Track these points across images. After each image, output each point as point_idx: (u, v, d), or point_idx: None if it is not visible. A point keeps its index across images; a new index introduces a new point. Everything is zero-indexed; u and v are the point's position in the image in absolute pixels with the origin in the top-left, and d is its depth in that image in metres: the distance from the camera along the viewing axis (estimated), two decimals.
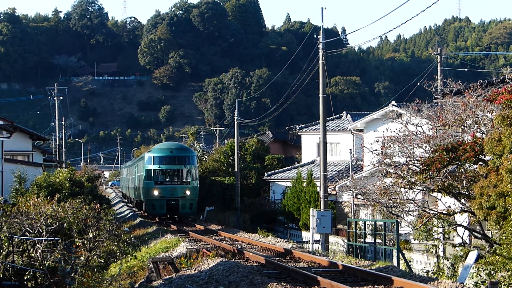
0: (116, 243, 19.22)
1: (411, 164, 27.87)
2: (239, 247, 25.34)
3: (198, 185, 49.86)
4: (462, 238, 26.48)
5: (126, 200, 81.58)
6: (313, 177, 48.97)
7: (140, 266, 25.26)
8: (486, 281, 18.39)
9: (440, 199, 28.04)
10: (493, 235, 22.14)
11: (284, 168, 63.47)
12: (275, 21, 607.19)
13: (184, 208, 48.21)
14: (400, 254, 26.53)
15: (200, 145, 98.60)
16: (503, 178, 20.61)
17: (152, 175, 48.35)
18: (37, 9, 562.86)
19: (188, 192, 48.02)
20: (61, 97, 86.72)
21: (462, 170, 25.64)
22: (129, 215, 62.28)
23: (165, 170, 48.49)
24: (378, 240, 30.28)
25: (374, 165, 31.12)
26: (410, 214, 28.40)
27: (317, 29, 39.23)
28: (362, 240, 30.18)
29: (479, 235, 24.99)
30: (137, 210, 62.76)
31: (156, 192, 47.87)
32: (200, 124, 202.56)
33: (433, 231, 26.52)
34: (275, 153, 75.69)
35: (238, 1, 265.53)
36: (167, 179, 48.38)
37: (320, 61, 37.37)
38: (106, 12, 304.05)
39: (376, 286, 16.16)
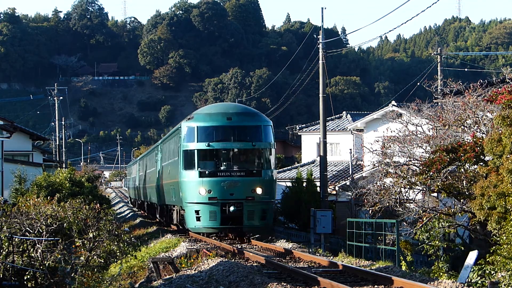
0: (116, 243, 19.21)
1: (411, 164, 27.86)
2: (239, 247, 25.33)
3: (276, 178, 30.92)
4: (462, 238, 26.47)
5: (133, 205, 72.13)
6: (313, 177, 48.97)
7: (140, 266, 25.25)
8: (486, 281, 18.39)
9: (440, 199, 28.03)
10: (493, 235, 22.12)
11: (284, 168, 63.46)
12: (275, 21, 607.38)
13: (253, 218, 28.64)
14: (400, 254, 26.52)
15: None
16: (503, 179, 20.60)
17: (196, 160, 28.91)
18: (37, 9, 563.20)
19: (259, 190, 28.53)
20: (61, 97, 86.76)
21: (462, 170, 25.63)
22: (129, 215, 62.23)
23: (218, 152, 29.01)
24: (378, 240, 30.25)
25: (374, 165, 31.12)
26: (410, 214, 28.38)
27: (317, 29, 39.22)
28: (362, 240, 30.14)
29: (479, 235, 24.98)
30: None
31: (201, 191, 28.58)
32: None
33: (433, 231, 26.50)
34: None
35: (238, 1, 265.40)
36: (222, 168, 28.82)
37: (320, 61, 37.38)
38: (106, 12, 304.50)
39: (376, 286, 16.16)
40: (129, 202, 77.57)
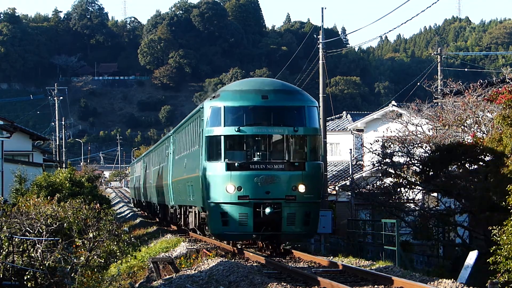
0: (116, 243, 19.22)
1: (411, 164, 27.87)
2: (239, 247, 25.33)
3: (323, 172, 25.48)
4: (462, 238, 26.47)
5: (135, 207, 68.75)
6: None
7: (140, 266, 25.24)
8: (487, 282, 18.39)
9: (440, 199, 28.04)
10: (493, 235, 22.13)
11: None
12: (275, 21, 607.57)
13: (294, 222, 23.18)
14: (400, 254, 26.53)
15: None
16: (503, 178, 20.62)
17: (222, 149, 23.40)
18: (37, 9, 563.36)
19: (302, 188, 23.10)
20: (61, 97, 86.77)
21: (462, 170, 25.64)
22: (129, 215, 62.22)
23: (251, 139, 23.59)
24: (378, 240, 30.27)
25: (374, 165, 31.12)
26: (410, 214, 28.40)
27: (317, 29, 39.23)
28: (362, 240, 30.17)
29: (479, 235, 24.98)
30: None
31: (229, 188, 23.10)
32: None
33: (433, 231, 26.52)
34: None
35: (238, 1, 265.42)
36: (255, 159, 23.35)
37: (320, 61, 37.37)
38: (106, 12, 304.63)
39: (376, 286, 16.16)
40: (133, 204, 72.76)
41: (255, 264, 20.89)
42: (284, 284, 16.20)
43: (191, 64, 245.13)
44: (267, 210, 22.61)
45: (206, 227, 25.42)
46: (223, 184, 22.96)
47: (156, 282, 20.15)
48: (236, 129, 22.95)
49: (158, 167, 41.66)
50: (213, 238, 26.68)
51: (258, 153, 23.27)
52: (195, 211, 27.61)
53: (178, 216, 33.31)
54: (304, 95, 24.19)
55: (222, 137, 23.20)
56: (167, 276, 20.65)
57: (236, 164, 22.90)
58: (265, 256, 22.61)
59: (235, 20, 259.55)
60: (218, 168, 23.19)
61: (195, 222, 27.74)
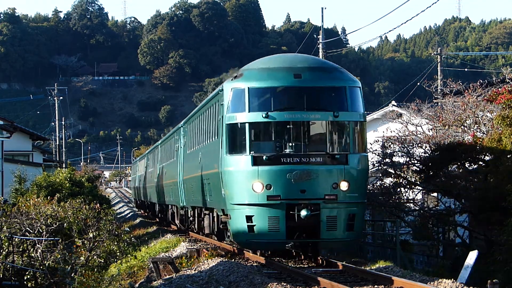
0: (116, 243, 19.23)
1: (411, 164, 27.88)
2: (239, 247, 25.31)
3: (368, 167, 21.41)
4: (462, 238, 26.48)
5: (137, 208, 65.45)
6: None
7: (140, 266, 25.24)
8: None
9: (440, 199, 28.04)
10: (493, 235, 22.14)
11: None
12: (275, 21, 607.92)
13: (335, 227, 19.56)
14: (400, 254, 26.54)
15: None
16: (503, 178, 20.63)
17: (247, 139, 19.77)
18: (37, 9, 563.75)
19: (345, 186, 19.60)
20: (61, 97, 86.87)
21: (462, 170, 25.65)
22: (129, 215, 62.22)
23: (282, 127, 19.87)
24: (378, 240, 30.28)
25: (374, 165, 31.13)
26: (410, 214, 28.41)
27: (317, 29, 39.27)
28: (362, 240, 30.14)
29: (479, 235, 24.99)
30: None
31: (257, 186, 19.50)
32: None
33: (433, 231, 26.52)
34: None
35: (238, 1, 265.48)
36: (287, 151, 19.66)
37: None
38: (106, 12, 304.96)
39: (376, 286, 16.16)
40: (135, 206, 69.65)
41: (255, 264, 20.89)
42: (284, 284, 16.20)
43: (191, 64, 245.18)
44: (303, 212, 18.94)
45: (227, 233, 21.72)
46: (249, 181, 19.27)
47: (156, 282, 20.16)
48: (264, 115, 19.27)
49: (165, 163, 37.68)
50: (235, 246, 22.97)
51: (290, 144, 19.42)
52: (212, 214, 24.01)
53: (191, 219, 29.52)
54: (345, 73, 20.43)
55: (247, 125, 19.44)
56: (167, 276, 20.66)
57: (264, 157, 19.22)
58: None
59: (235, 20, 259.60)
60: (242, 162, 19.47)
61: (213, 227, 24.20)
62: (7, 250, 17.90)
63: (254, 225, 19.34)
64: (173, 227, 39.83)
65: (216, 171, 21.04)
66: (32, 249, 18.19)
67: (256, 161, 19.31)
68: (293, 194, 19.08)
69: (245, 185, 19.40)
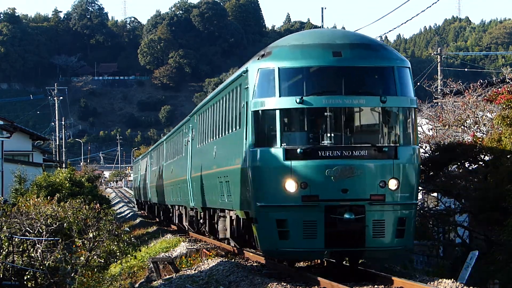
0: (116, 243, 19.24)
1: None
2: (239, 247, 25.32)
3: (420, 162, 17.88)
4: (462, 238, 26.48)
5: (139, 209, 63.66)
6: None
7: (140, 266, 25.25)
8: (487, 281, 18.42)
9: (440, 199, 28.04)
10: (493, 235, 22.15)
11: None
12: (275, 21, 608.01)
13: (382, 233, 16.61)
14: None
15: None
16: (503, 178, 20.63)
17: (278, 129, 16.78)
18: (37, 9, 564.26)
19: (394, 184, 16.65)
20: (61, 97, 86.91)
21: (462, 170, 25.66)
22: (129, 215, 62.22)
23: (319, 114, 16.74)
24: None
25: None
26: None
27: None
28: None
29: (479, 235, 25.00)
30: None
31: (289, 185, 16.53)
32: None
33: (433, 231, 26.50)
34: None
35: (238, 1, 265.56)
36: (325, 143, 16.66)
37: None
38: (106, 12, 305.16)
39: (376, 286, 16.15)
40: (137, 207, 67.88)
41: (255, 264, 20.89)
42: (284, 284, 16.18)
43: (191, 64, 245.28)
44: (346, 216, 16.16)
45: (251, 240, 19.01)
46: (280, 179, 16.42)
47: (156, 282, 20.16)
48: (298, 100, 16.37)
49: (172, 160, 35.13)
50: (263, 255, 20.06)
51: (329, 135, 16.50)
52: (231, 217, 21.13)
53: (201, 221, 27.21)
54: (392, 51, 17.64)
55: (278, 112, 16.59)
56: (167, 276, 20.66)
57: (298, 150, 16.35)
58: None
59: (235, 20, 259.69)
60: (272, 156, 16.64)
61: (231, 231, 21.42)
62: (7, 250, 17.90)
63: (287, 231, 16.38)
64: (173, 227, 39.77)
65: (238, 167, 18.33)
66: (32, 249, 18.20)
67: (288, 155, 16.41)
68: (333, 194, 16.30)
69: (275, 183, 16.53)
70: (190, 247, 26.35)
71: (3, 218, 18.89)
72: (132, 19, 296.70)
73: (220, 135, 21.61)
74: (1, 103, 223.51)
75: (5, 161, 40.71)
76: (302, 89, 16.72)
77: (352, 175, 16.29)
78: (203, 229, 27.58)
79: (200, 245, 27.11)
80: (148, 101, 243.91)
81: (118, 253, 19.35)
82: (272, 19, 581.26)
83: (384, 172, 16.50)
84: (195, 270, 20.33)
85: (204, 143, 24.94)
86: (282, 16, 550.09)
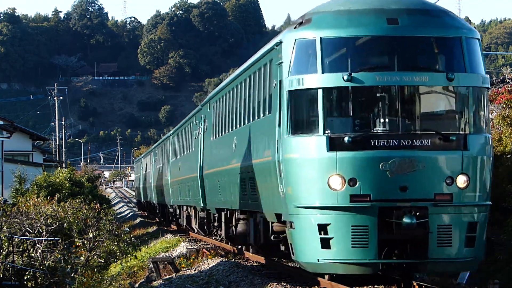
0: (116, 243, 19.22)
1: None
2: (239, 247, 25.33)
3: (493, 154, 14.45)
4: None
5: (140, 209, 62.48)
6: None
7: (140, 266, 25.25)
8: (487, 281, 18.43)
9: None
10: (493, 235, 22.15)
11: None
12: (275, 21, 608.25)
13: (449, 241, 13.52)
14: None
15: None
16: (503, 178, 20.63)
17: (320, 112, 13.61)
18: (37, 9, 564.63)
19: (463, 181, 13.54)
20: (61, 97, 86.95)
21: None
22: (129, 215, 62.21)
23: (370, 94, 13.72)
24: None
25: None
26: None
27: None
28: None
29: None
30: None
31: (334, 181, 13.46)
32: None
33: None
34: None
35: (238, 1, 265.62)
36: (378, 129, 13.61)
37: None
38: (106, 12, 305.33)
39: (376, 286, 16.14)
40: (138, 207, 65.48)
41: (255, 264, 20.88)
42: (284, 284, 16.18)
43: (191, 64, 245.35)
44: (405, 220, 13.22)
45: (283, 248, 16.39)
46: (323, 174, 13.55)
47: (156, 282, 20.17)
48: (345, 77, 13.44)
49: (180, 156, 32.36)
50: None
51: (384, 120, 13.64)
52: (254, 219, 18.28)
53: (215, 224, 24.65)
54: (457, 19, 14.54)
55: (320, 92, 13.65)
56: (167, 276, 20.66)
57: (346, 138, 13.44)
58: None
59: (235, 20, 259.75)
60: (313, 146, 13.70)
61: (255, 237, 18.42)
62: (7, 250, 17.88)
63: (331, 238, 13.56)
64: (174, 227, 39.73)
65: (268, 159, 15.47)
66: (32, 249, 18.18)
67: (334, 145, 13.51)
68: (390, 193, 13.41)
69: (317, 179, 13.64)
70: (190, 247, 26.35)
71: (3, 218, 18.88)
72: (132, 19, 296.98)
73: (243, 124, 18.48)
74: (1, 103, 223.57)
75: (5, 161, 40.71)
76: (350, 64, 13.88)
77: (412, 169, 13.39)
78: (217, 232, 24.74)
79: (200, 245, 27.11)
80: (148, 101, 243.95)
81: (118, 253, 19.33)
82: (272, 19, 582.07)
83: (452, 166, 13.61)
84: (195, 270, 20.33)
85: (220, 134, 21.98)
86: (282, 16, 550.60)
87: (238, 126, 19.17)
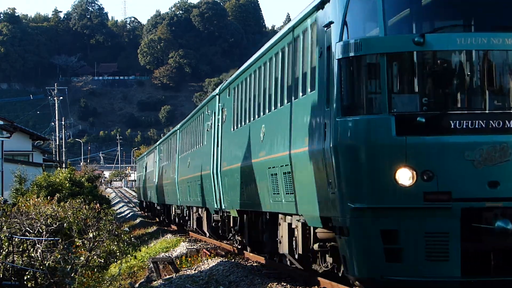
0: (116, 243, 19.23)
1: None
2: (239, 247, 25.34)
3: None
4: None
5: (141, 209, 61.37)
6: None
7: (140, 266, 25.26)
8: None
9: None
10: None
11: None
12: (275, 21, 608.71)
13: None
14: None
15: None
16: None
17: (384, 87, 10.37)
18: (37, 9, 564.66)
19: None
20: (61, 97, 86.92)
21: None
22: (129, 215, 62.22)
23: (448, 63, 10.53)
24: None
25: None
26: None
27: None
28: None
29: None
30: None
31: (403, 175, 10.30)
32: None
33: None
34: None
35: (238, 1, 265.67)
36: (457, 107, 10.46)
37: None
38: (106, 12, 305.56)
39: None
40: (139, 208, 63.46)
41: (255, 264, 20.89)
42: (284, 284, 16.18)
43: (191, 64, 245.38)
44: (498, 224, 10.40)
45: (332, 262, 13.47)
46: (388, 165, 10.60)
47: (156, 282, 20.17)
48: (416, 40, 10.44)
49: (189, 152, 29.19)
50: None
51: (467, 96, 10.73)
52: (290, 224, 15.00)
53: (236, 228, 21.33)
54: None
55: (384, 59, 10.62)
56: (167, 276, 20.67)
57: (418, 119, 10.45)
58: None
59: (235, 20, 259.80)
60: (375, 128, 10.71)
61: (289, 246, 15.29)
62: (7, 250, 17.89)
63: (399, 248, 10.64)
64: (173, 227, 39.71)
65: (311, 148, 12.29)
66: (32, 249, 18.19)
67: (402, 127, 10.47)
68: (476, 189, 10.53)
69: (379, 173, 10.68)
70: (190, 247, 26.36)
71: (3, 218, 18.89)
72: (132, 19, 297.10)
73: (274, 108, 15.27)
74: (1, 103, 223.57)
75: (5, 161, 40.72)
76: (421, 22, 11.20)
77: (505, 159, 10.47)
78: (239, 239, 21.65)
79: (200, 245, 27.11)
80: (148, 101, 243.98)
81: (118, 253, 19.34)
82: (272, 19, 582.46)
83: None
84: (195, 270, 20.34)
85: (243, 123, 18.67)
86: (282, 16, 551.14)
87: (267, 111, 15.92)
